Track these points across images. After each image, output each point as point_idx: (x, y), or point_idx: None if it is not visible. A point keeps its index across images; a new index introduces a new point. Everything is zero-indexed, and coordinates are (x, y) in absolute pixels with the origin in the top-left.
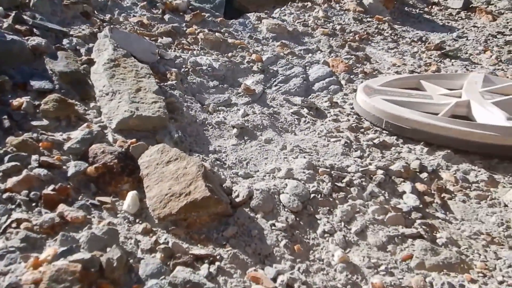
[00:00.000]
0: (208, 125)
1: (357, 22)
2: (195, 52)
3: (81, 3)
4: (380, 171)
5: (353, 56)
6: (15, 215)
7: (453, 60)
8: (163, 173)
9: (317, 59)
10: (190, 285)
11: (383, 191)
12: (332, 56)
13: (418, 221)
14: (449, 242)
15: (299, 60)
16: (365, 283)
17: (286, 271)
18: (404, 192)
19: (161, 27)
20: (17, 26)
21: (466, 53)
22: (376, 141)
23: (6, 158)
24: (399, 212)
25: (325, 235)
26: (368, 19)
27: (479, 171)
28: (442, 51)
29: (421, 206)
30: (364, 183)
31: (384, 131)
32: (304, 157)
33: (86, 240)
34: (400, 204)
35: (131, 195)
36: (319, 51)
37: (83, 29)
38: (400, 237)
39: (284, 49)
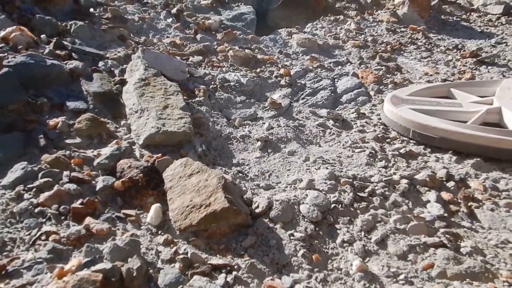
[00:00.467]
0: (233, 139)
1: (390, 32)
2: (224, 69)
3: (118, 27)
4: (404, 181)
5: (383, 67)
6: (45, 228)
7: (489, 67)
8: (185, 186)
9: (346, 71)
10: None
11: (406, 201)
12: (362, 68)
13: (442, 230)
14: (473, 251)
15: (328, 73)
16: None
17: (303, 280)
18: (428, 201)
19: (193, 46)
20: (57, 51)
21: (505, 59)
22: (402, 151)
23: (40, 175)
24: (422, 221)
25: (344, 244)
26: (402, 29)
27: (510, 179)
28: (478, 58)
29: (445, 215)
30: (387, 193)
31: (411, 141)
32: (327, 168)
33: (109, 251)
34: (423, 213)
35: (154, 207)
36: (349, 63)
37: (118, 52)
38: (422, 246)
39: (314, 63)
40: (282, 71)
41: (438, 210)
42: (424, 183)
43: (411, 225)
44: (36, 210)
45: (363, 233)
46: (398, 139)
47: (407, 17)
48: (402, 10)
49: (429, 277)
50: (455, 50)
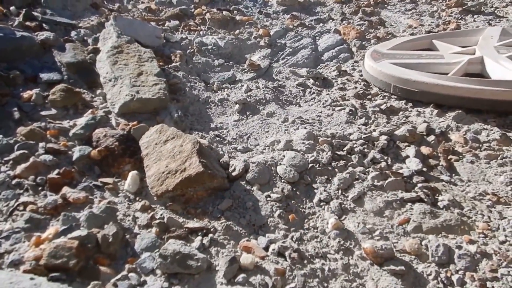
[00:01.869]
0: (211, 103)
1: None
2: (201, 32)
3: None
4: (383, 137)
5: (366, 22)
6: (22, 198)
7: (475, 16)
8: (161, 152)
9: (328, 29)
10: (180, 256)
11: (385, 157)
12: (344, 24)
13: (419, 185)
14: (451, 205)
15: (309, 31)
16: (358, 249)
17: (279, 240)
18: (407, 157)
19: (169, 10)
20: (27, 23)
21: (492, 6)
22: (383, 107)
23: (15, 147)
24: (399, 176)
25: (321, 203)
26: None
27: (491, 130)
28: (464, 7)
29: (424, 169)
30: (366, 150)
31: (392, 96)
32: (305, 128)
33: (85, 218)
34: (402, 169)
35: (131, 175)
36: (330, 20)
37: (91, 20)
38: (398, 202)
39: (294, 21)
40: (261, 31)
41: (417, 165)
42: (404, 139)
43: (388, 181)
44: (13, 182)
45: (340, 191)
46: (380, 95)
47: None
48: None
49: (405, 232)
50: (440, 0)
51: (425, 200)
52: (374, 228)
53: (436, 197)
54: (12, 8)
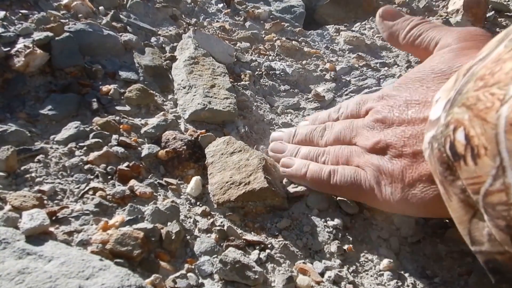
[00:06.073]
0: (274, 125)
1: None
2: (270, 57)
3: (171, 7)
4: None
5: None
6: (93, 184)
7: None
8: (226, 163)
9: (392, 73)
10: (239, 265)
11: None
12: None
13: None
14: None
15: (374, 73)
16: None
17: (335, 268)
18: None
19: (241, 32)
20: (114, 23)
21: None
22: None
23: (91, 135)
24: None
25: (379, 240)
26: None
27: None
28: None
29: None
30: None
31: None
32: None
33: (151, 213)
34: None
35: (195, 179)
36: (395, 65)
37: (170, 30)
38: (458, 252)
39: (360, 61)
40: (327, 65)
41: None
42: None
43: (449, 230)
44: (85, 167)
45: (399, 231)
46: None
47: (460, 26)
48: (455, 19)
49: (466, 283)
50: None
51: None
52: (433, 274)
53: None
54: (101, 8)
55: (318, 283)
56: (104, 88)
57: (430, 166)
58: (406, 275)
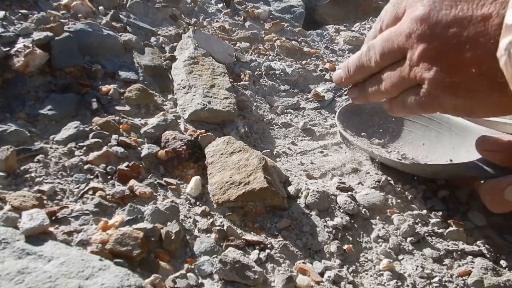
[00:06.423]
0: (274, 125)
1: None
2: (270, 57)
3: (171, 7)
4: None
5: None
6: (92, 184)
7: None
8: (226, 163)
9: None
10: (239, 265)
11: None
12: None
13: (482, 240)
14: None
15: None
16: None
17: (334, 268)
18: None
19: (241, 32)
20: (113, 23)
21: None
22: None
23: (90, 135)
24: (462, 227)
25: (379, 240)
26: None
27: None
28: None
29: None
30: (427, 195)
31: None
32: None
33: (150, 213)
34: (463, 220)
35: (195, 179)
36: None
37: (170, 30)
38: (459, 252)
39: None
40: (327, 65)
41: (481, 220)
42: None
43: (449, 230)
44: (85, 167)
45: (399, 231)
46: None
47: None
48: None
49: (465, 284)
50: None
51: (487, 256)
52: (433, 274)
53: (498, 255)
54: (100, 8)
55: (317, 283)
56: (104, 88)
57: (506, 74)
58: (406, 275)
